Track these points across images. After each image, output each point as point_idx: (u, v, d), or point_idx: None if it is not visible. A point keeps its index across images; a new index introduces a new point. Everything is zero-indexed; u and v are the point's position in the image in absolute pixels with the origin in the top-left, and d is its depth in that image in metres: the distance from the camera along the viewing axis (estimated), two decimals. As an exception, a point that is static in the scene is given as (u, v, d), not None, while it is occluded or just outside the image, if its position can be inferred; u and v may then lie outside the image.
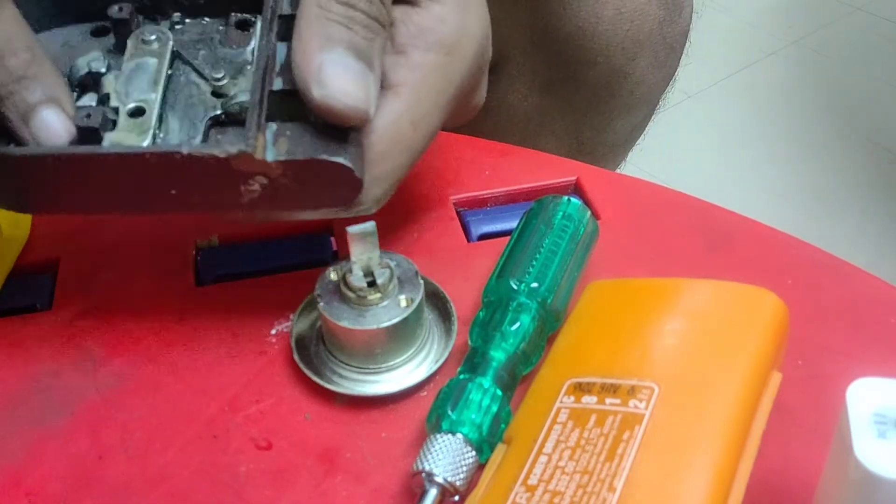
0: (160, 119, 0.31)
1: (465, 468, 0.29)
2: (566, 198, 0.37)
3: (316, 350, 0.35)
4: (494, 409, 0.31)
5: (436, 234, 0.41)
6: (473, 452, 0.29)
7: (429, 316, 0.36)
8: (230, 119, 0.32)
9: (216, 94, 0.32)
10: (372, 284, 0.32)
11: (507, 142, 0.46)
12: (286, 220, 0.31)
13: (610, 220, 0.41)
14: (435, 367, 0.34)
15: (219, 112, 0.32)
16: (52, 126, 0.30)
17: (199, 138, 0.31)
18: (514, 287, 0.34)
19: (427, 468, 0.29)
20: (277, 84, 0.31)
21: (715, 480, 0.25)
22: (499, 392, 0.31)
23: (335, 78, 0.29)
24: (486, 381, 0.31)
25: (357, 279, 0.32)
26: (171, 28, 0.34)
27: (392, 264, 0.33)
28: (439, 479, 0.29)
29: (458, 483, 0.29)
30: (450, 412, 0.30)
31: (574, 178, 0.44)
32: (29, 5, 0.31)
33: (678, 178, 1.26)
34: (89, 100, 0.32)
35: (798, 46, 1.62)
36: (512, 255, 0.36)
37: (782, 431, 0.32)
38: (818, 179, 1.34)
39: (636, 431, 0.27)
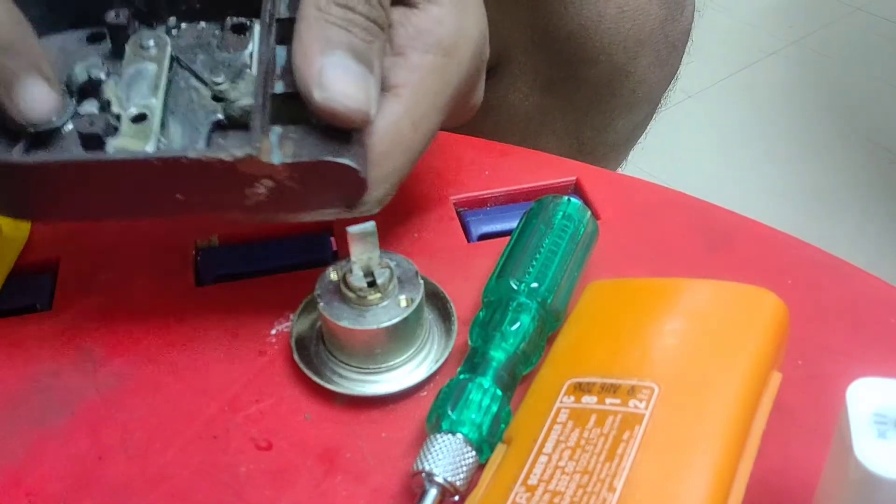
0: (162, 124, 0.31)
1: (465, 468, 0.29)
2: (566, 198, 0.37)
3: (316, 350, 0.35)
4: (494, 409, 0.31)
5: (436, 234, 0.41)
6: (473, 452, 0.29)
7: (429, 316, 0.36)
8: (231, 123, 0.32)
9: (216, 98, 0.32)
10: (372, 284, 0.32)
11: (508, 141, 0.46)
12: (289, 222, 0.31)
13: (610, 220, 0.41)
14: (435, 367, 0.34)
15: (220, 116, 0.32)
16: (38, 98, 0.30)
17: (201, 142, 0.31)
18: (514, 287, 0.34)
19: (427, 468, 0.29)
20: (279, 87, 0.31)
21: (715, 480, 0.25)
22: (499, 392, 0.31)
23: (336, 81, 0.29)
24: (486, 381, 0.31)
25: (357, 279, 0.32)
26: (168, 33, 0.34)
27: (392, 264, 0.33)
28: (439, 479, 0.29)
29: (458, 483, 0.29)
30: (450, 412, 0.30)
31: (574, 178, 0.44)
32: (24, 11, 0.31)
33: (678, 178, 1.26)
34: (90, 106, 0.31)
35: (798, 46, 1.62)
36: (512, 255, 0.36)
37: (782, 431, 0.32)
38: (818, 179, 1.34)
39: (636, 431, 0.27)
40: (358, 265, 0.32)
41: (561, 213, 0.37)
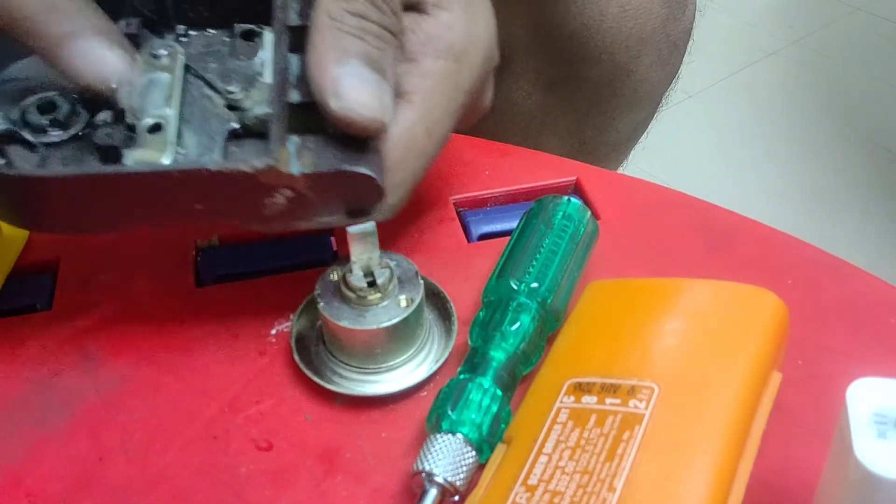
0: (177, 133, 0.31)
1: (465, 468, 0.29)
2: (566, 198, 0.37)
3: (316, 350, 0.35)
4: (494, 409, 0.31)
5: (436, 234, 0.41)
6: (473, 452, 0.29)
7: (429, 316, 0.36)
8: (246, 132, 0.32)
9: (231, 107, 0.32)
10: (372, 284, 0.32)
11: (510, 141, 0.46)
12: (303, 229, 0.31)
13: (610, 220, 0.41)
14: (435, 367, 0.34)
15: (236, 125, 0.32)
16: (96, 55, 0.29)
17: (217, 152, 0.31)
18: (514, 287, 0.34)
19: (427, 468, 0.29)
20: (294, 96, 0.31)
21: (715, 480, 0.25)
22: (499, 392, 0.31)
23: (352, 90, 0.29)
24: (486, 381, 0.31)
25: (357, 279, 0.32)
26: (176, 41, 0.34)
27: (392, 264, 0.33)
28: (439, 479, 0.29)
29: (458, 483, 0.29)
30: (450, 412, 0.30)
31: (574, 178, 0.44)
32: None
33: (678, 178, 1.26)
34: (104, 116, 0.31)
35: (798, 46, 1.62)
36: (512, 255, 0.36)
37: (782, 431, 0.32)
38: (818, 179, 1.34)
39: (636, 431, 0.27)
40: (358, 265, 0.32)
41: (561, 213, 0.37)
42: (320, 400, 0.34)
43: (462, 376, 0.32)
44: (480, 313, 0.34)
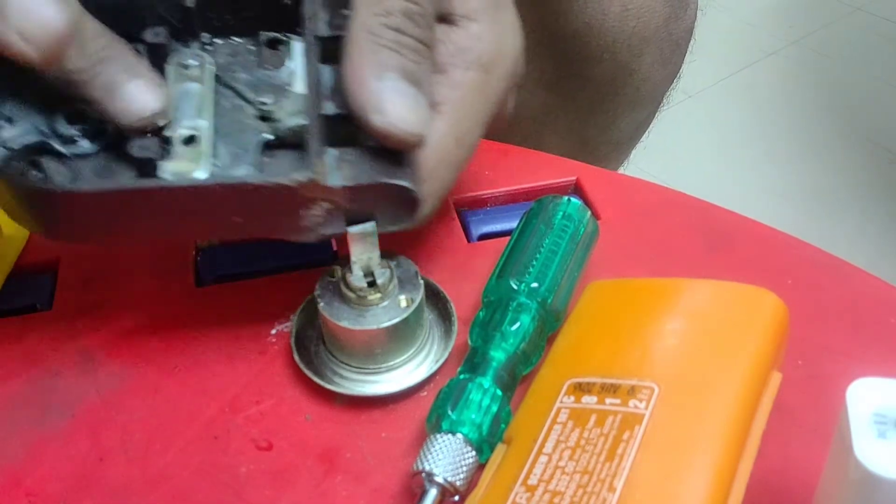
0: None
1: (465, 468, 0.29)
2: (566, 198, 0.37)
3: (316, 350, 0.35)
4: (494, 409, 0.31)
5: (436, 234, 0.41)
6: (473, 452, 0.29)
7: (429, 316, 0.36)
8: (280, 143, 0.32)
9: (263, 117, 0.32)
10: (372, 284, 0.32)
11: (511, 140, 0.46)
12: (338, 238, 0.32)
13: (610, 220, 0.41)
14: (435, 368, 0.34)
15: (269, 136, 0.31)
16: (141, 97, 0.30)
17: (251, 163, 0.31)
18: (514, 287, 0.34)
19: (427, 468, 0.29)
20: (328, 108, 0.31)
21: (715, 480, 0.25)
22: (499, 392, 0.31)
23: (393, 105, 0.29)
24: (486, 381, 0.31)
25: (357, 279, 0.32)
26: (202, 49, 0.34)
27: (392, 264, 0.33)
28: (439, 479, 0.29)
29: (458, 483, 0.29)
30: (450, 412, 0.30)
31: (574, 178, 0.44)
32: None
33: (678, 178, 1.26)
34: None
35: (798, 46, 1.62)
36: (512, 255, 0.36)
37: (782, 431, 0.32)
38: (818, 179, 1.34)
39: (636, 431, 0.27)
40: (358, 265, 0.32)
41: (561, 213, 0.37)
42: (320, 400, 0.34)
43: (462, 376, 0.32)
44: (480, 313, 0.34)
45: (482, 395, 0.31)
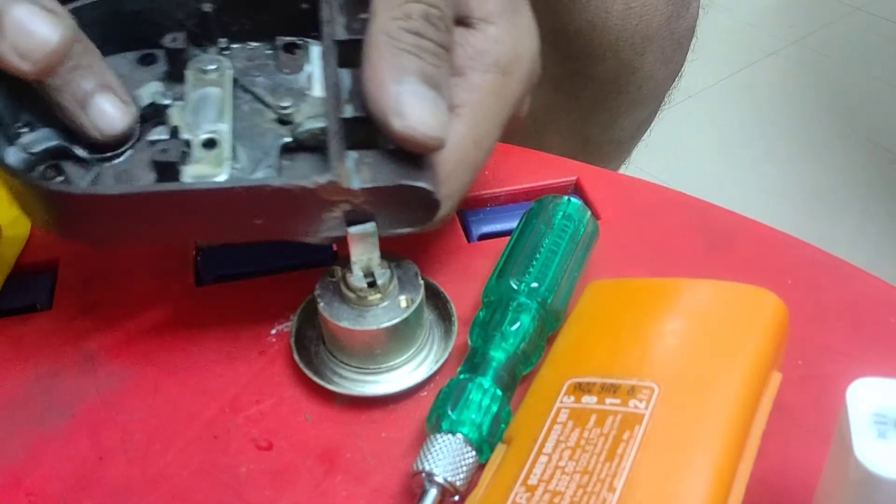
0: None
1: (465, 468, 0.29)
2: (566, 198, 0.37)
3: (316, 350, 0.35)
4: (494, 409, 0.31)
5: (436, 234, 0.41)
6: (473, 452, 0.29)
7: (429, 316, 0.36)
8: (299, 146, 0.32)
9: (281, 121, 0.32)
10: (372, 285, 0.32)
11: (513, 139, 0.46)
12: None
13: (610, 220, 0.41)
14: (435, 368, 0.34)
15: (289, 139, 0.32)
16: (109, 112, 0.30)
17: (271, 166, 0.31)
18: (514, 287, 0.34)
19: (427, 468, 0.29)
20: (348, 111, 0.31)
21: (715, 480, 0.25)
22: (499, 392, 0.31)
23: (413, 108, 0.29)
24: (486, 381, 0.31)
25: (357, 279, 0.32)
26: (219, 54, 0.34)
27: (392, 265, 0.33)
28: (439, 479, 0.29)
29: (458, 483, 0.29)
30: (450, 412, 0.30)
31: (574, 178, 0.44)
32: None
33: (678, 178, 1.26)
34: (159, 133, 0.31)
35: (798, 46, 1.62)
36: (512, 255, 0.36)
37: (782, 431, 0.32)
38: (818, 179, 1.34)
39: (636, 431, 0.27)
40: (358, 265, 0.32)
41: (561, 213, 0.37)
42: (320, 400, 0.34)
43: (462, 376, 0.32)
44: (480, 313, 0.34)
45: (482, 395, 0.31)
